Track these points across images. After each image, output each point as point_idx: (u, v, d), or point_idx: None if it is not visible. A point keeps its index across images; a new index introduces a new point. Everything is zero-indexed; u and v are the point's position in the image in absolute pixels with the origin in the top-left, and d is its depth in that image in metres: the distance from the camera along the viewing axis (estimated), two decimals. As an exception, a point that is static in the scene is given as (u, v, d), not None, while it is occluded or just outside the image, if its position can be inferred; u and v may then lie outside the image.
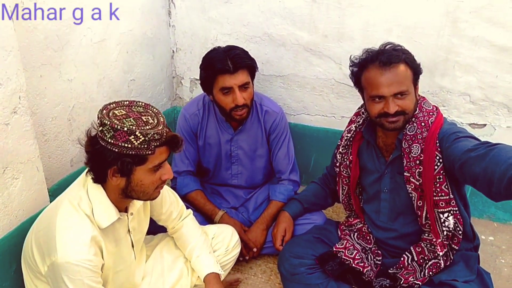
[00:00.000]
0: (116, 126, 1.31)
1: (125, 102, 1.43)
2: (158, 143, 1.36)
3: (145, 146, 1.34)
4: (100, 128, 1.35)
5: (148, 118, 1.39)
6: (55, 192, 1.88)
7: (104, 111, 1.37)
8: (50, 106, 1.92)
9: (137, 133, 1.32)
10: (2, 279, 1.60)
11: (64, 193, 1.53)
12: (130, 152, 1.33)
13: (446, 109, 2.40)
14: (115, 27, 2.27)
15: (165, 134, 1.38)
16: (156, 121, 1.39)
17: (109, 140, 1.32)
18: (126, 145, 1.32)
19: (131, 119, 1.36)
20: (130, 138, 1.32)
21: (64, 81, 1.97)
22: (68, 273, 1.35)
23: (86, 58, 2.08)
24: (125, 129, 1.31)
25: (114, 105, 1.41)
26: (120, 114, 1.37)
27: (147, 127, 1.35)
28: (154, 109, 1.45)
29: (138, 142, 1.32)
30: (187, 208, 1.95)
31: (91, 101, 2.15)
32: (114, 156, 1.34)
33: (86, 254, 1.37)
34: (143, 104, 1.45)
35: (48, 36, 1.84)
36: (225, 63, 1.98)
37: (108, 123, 1.32)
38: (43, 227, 1.46)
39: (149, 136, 1.33)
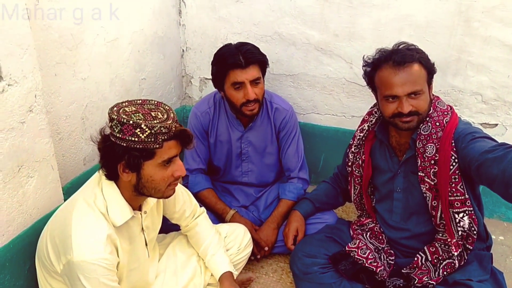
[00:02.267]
0: (122, 120, 1.31)
1: (138, 101, 1.44)
2: (166, 137, 1.36)
3: (152, 139, 1.33)
4: (110, 124, 1.35)
5: (157, 114, 1.38)
6: (68, 190, 1.89)
7: (115, 108, 1.38)
8: (64, 105, 1.92)
9: (142, 126, 1.31)
10: (16, 278, 1.60)
11: (79, 191, 1.53)
12: (138, 146, 1.33)
13: (458, 109, 2.39)
14: (127, 26, 2.27)
15: (174, 128, 1.38)
16: (166, 116, 1.39)
17: (117, 135, 1.33)
18: (132, 138, 1.32)
19: (139, 114, 1.36)
20: (136, 131, 1.32)
21: (78, 80, 1.97)
22: (84, 271, 1.35)
23: (99, 57, 2.09)
24: (131, 122, 1.31)
25: (126, 103, 1.42)
26: (130, 110, 1.37)
27: (155, 121, 1.34)
28: (166, 107, 1.45)
29: (145, 135, 1.32)
30: (200, 206, 1.95)
31: (104, 100, 2.16)
32: (122, 151, 1.34)
33: (102, 252, 1.37)
34: (155, 102, 1.45)
35: (63, 35, 1.84)
36: (237, 58, 2.00)
37: (116, 117, 1.32)
38: (58, 225, 1.46)
39: (155, 129, 1.32)
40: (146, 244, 1.64)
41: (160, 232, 1.95)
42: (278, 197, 2.33)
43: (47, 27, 1.76)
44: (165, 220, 1.83)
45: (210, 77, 2.17)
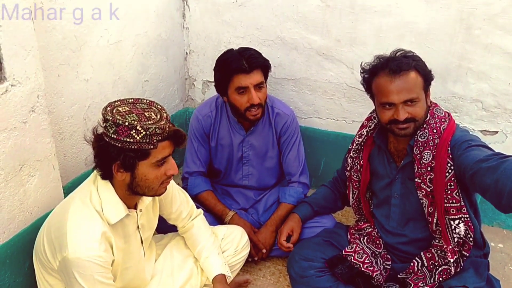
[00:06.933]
0: (118, 121, 1.33)
1: (129, 100, 1.46)
2: (160, 138, 1.38)
3: (147, 140, 1.35)
4: (104, 124, 1.37)
5: (151, 114, 1.40)
6: (69, 190, 1.90)
7: (108, 108, 1.39)
8: (67, 106, 1.95)
9: (138, 127, 1.33)
10: (16, 275, 1.63)
11: (76, 190, 1.56)
12: (133, 147, 1.35)
13: (458, 116, 2.40)
14: (130, 29, 2.30)
15: (167, 129, 1.40)
16: (159, 116, 1.41)
17: (112, 136, 1.35)
18: (128, 139, 1.34)
19: (133, 114, 1.38)
20: (132, 132, 1.33)
21: (80, 81, 2.00)
22: (79, 268, 1.37)
23: (102, 58, 2.12)
24: (127, 123, 1.33)
25: (118, 102, 1.44)
26: (124, 110, 1.39)
27: (149, 122, 1.36)
28: (158, 106, 1.47)
29: (140, 136, 1.34)
30: (198, 208, 1.97)
31: (106, 101, 2.13)
32: (117, 151, 1.36)
33: (96, 250, 1.39)
34: (147, 101, 1.47)
35: (67, 37, 1.87)
36: (241, 63, 2.02)
37: (111, 118, 1.34)
38: (54, 222, 1.48)
39: (150, 131, 1.34)
40: (142, 242, 1.65)
41: (158, 233, 1.97)
42: (278, 200, 2.34)
43: (51, 28, 1.78)
44: (163, 221, 1.85)
45: (213, 80, 2.19)
